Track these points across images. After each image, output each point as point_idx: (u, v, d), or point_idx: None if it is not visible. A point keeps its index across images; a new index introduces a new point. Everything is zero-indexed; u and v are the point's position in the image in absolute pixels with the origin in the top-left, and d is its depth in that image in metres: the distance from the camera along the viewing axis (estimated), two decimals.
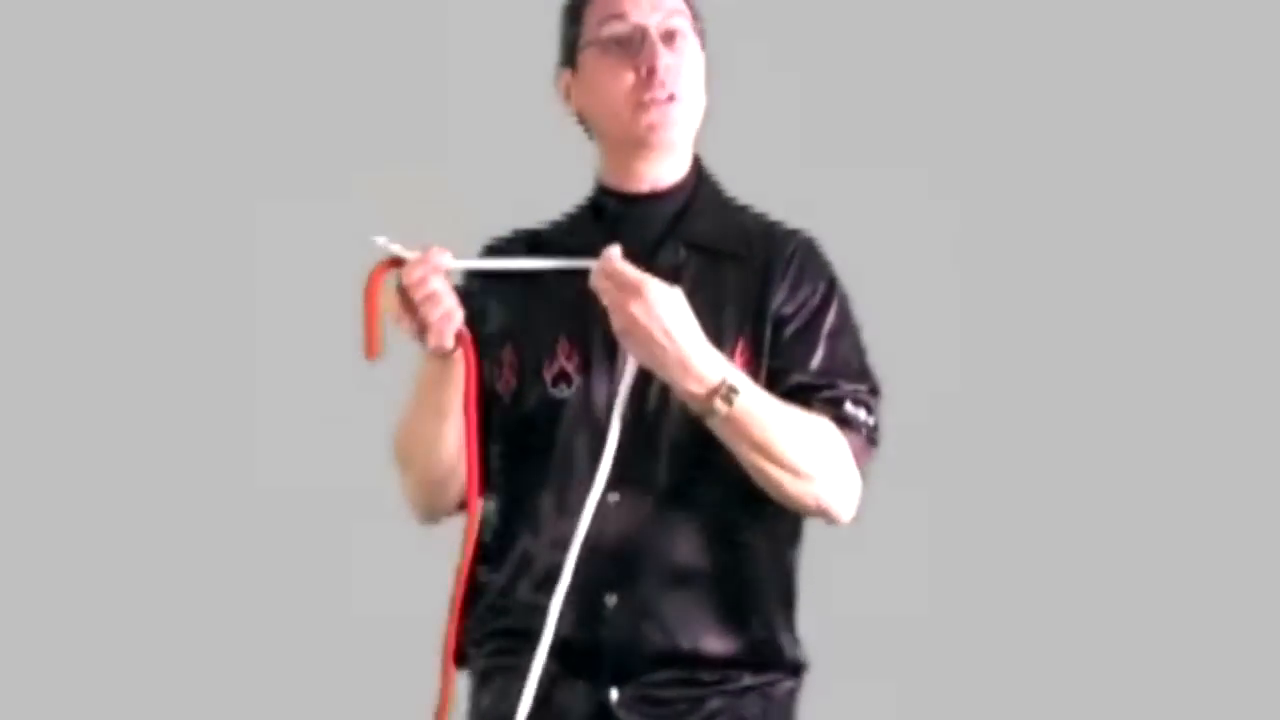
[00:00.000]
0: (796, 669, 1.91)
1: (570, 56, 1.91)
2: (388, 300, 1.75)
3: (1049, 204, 3.14)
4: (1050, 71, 3.15)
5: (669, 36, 1.84)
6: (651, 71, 1.82)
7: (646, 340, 1.70)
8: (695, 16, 1.90)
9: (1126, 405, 3.13)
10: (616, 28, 1.85)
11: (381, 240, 1.75)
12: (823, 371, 1.84)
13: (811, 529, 1.91)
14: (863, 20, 3.12)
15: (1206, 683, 3.07)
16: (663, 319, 1.69)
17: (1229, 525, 3.12)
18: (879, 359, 1.90)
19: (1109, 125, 3.15)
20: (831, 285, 1.89)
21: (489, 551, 1.90)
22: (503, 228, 1.99)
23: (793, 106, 3.04)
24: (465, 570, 1.85)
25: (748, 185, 1.98)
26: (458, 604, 1.85)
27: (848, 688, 2.19)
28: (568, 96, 1.93)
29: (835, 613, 2.05)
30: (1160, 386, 3.14)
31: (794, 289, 1.86)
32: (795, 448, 1.76)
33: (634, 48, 1.84)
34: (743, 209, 1.95)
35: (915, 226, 3.02)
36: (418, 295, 1.73)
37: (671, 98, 1.83)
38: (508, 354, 1.88)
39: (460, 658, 1.89)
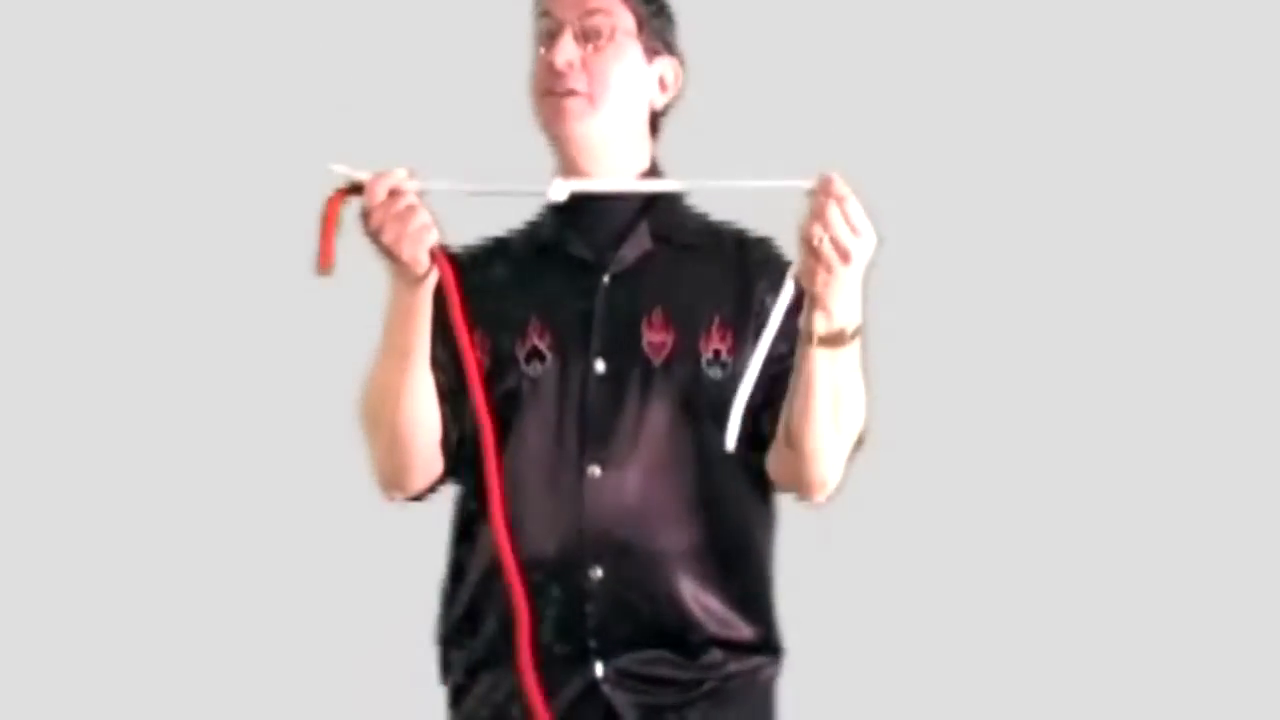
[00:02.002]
0: (776, 651, 1.93)
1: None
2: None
3: (1028, 207, 3.15)
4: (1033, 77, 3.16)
5: (589, 34, 1.86)
6: (549, 65, 1.86)
7: (841, 263, 1.63)
8: (643, 18, 1.90)
9: (1111, 403, 3.14)
10: (542, 22, 1.90)
11: (338, 167, 1.73)
12: None
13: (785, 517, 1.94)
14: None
15: (1202, 679, 3.07)
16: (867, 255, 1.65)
17: (1222, 521, 3.13)
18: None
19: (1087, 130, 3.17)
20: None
21: (465, 535, 1.91)
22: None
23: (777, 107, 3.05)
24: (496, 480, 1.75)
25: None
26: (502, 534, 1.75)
27: (823, 674, 2.21)
28: None
29: (809, 598, 2.06)
30: (1145, 391, 3.15)
31: (773, 287, 1.84)
32: (855, 408, 1.78)
33: (549, 42, 1.87)
34: (703, 215, 1.98)
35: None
36: (392, 210, 1.71)
37: (571, 92, 1.85)
38: (479, 337, 1.86)
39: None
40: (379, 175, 1.72)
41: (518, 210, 1.99)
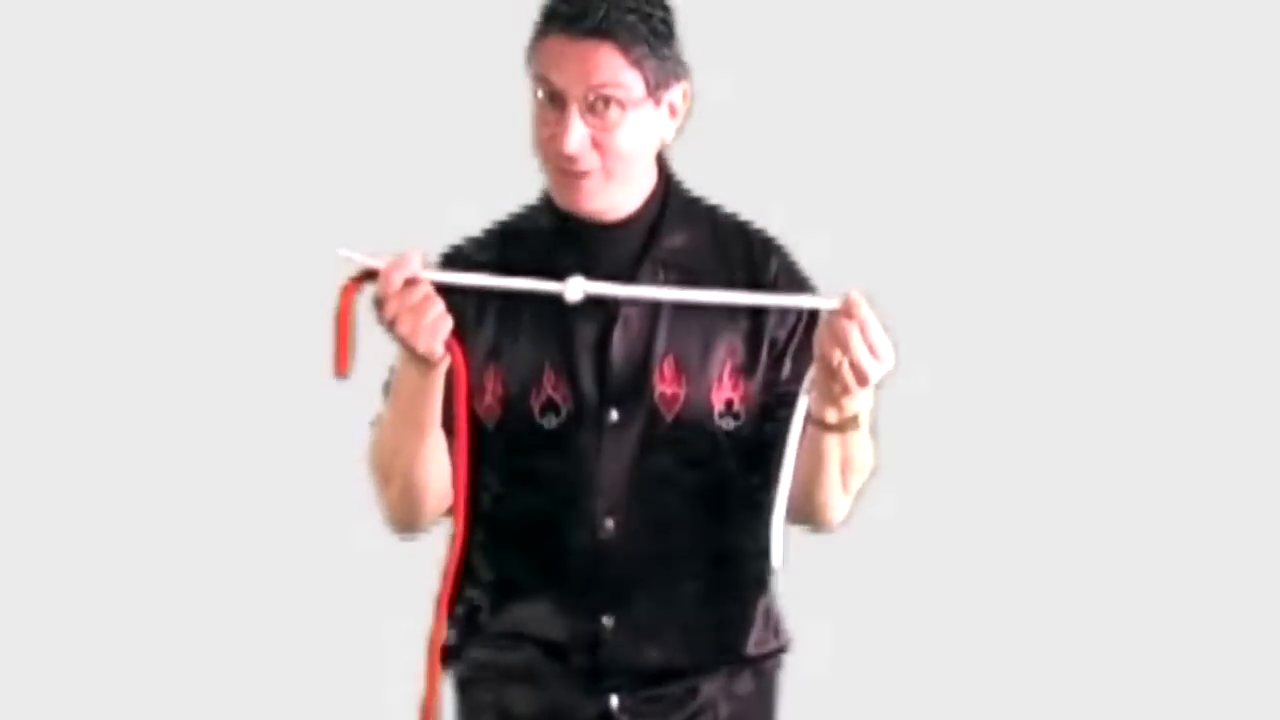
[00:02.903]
0: (782, 649, 1.98)
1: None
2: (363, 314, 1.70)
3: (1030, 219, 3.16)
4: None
5: (599, 104, 1.73)
6: (559, 151, 1.74)
7: (858, 385, 1.65)
8: (649, 74, 1.75)
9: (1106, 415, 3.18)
10: (542, 85, 1.76)
11: (345, 252, 1.69)
12: None
13: None
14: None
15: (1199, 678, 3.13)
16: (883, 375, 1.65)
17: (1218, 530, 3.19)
18: None
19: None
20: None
21: (478, 573, 1.91)
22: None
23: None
24: (451, 581, 1.82)
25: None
26: (443, 610, 1.83)
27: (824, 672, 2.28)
28: None
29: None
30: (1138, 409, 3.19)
31: (784, 311, 1.85)
32: (863, 468, 1.81)
33: (557, 108, 1.74)
34: (712, 211, 1.92)
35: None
36: (407, 301, 1.66)
37: (586, 174, 1.76)
38: (490, 378, 1.84)
39: (446, 657, 1.91)
40: (394, 264, 1.66)
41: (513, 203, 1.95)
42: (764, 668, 1.95)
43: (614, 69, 1.73)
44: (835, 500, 1.81)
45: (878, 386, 1.67)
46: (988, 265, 3.13)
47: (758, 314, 1.84)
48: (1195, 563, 3.17)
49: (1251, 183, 3.18)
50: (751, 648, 1.91)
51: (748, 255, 1.88)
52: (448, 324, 1.69)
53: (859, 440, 1.74)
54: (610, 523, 1.82)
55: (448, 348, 1.71)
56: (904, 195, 3.09)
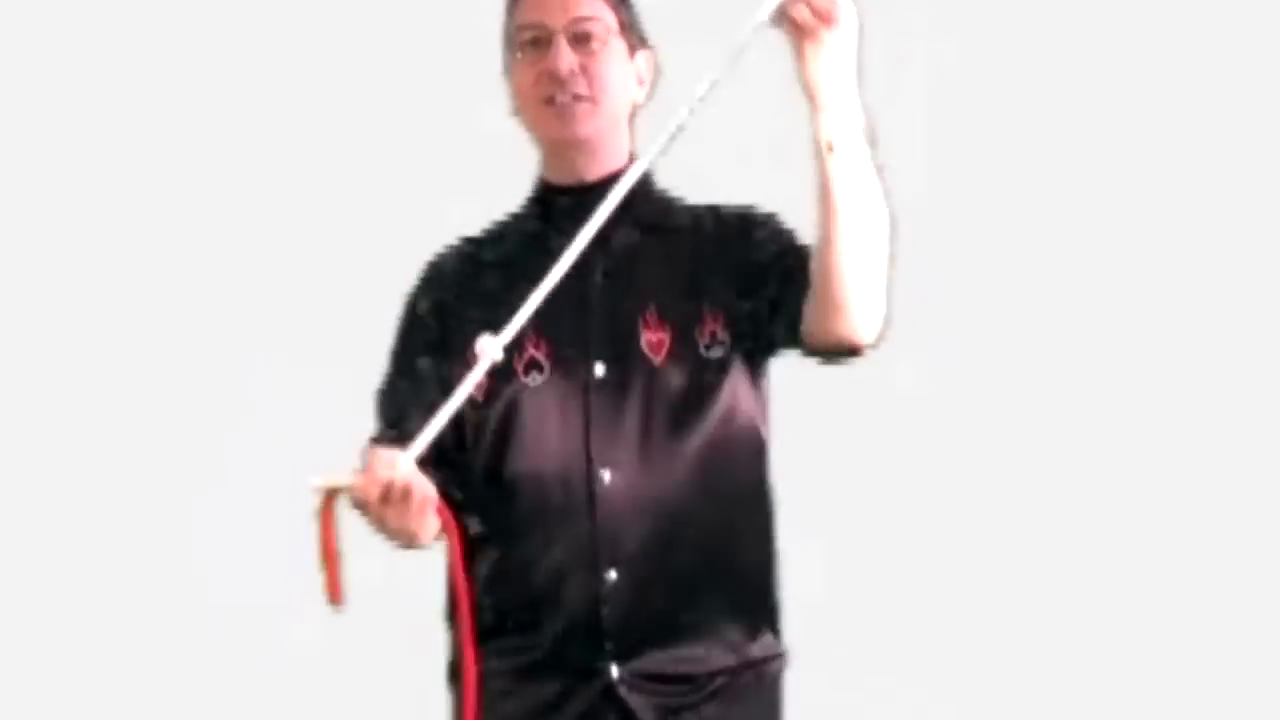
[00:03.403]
0: (777, 634, 1.96)
1: (507, 57, 1.97)
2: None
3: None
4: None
5: (581, 38, 1.89)
6: (553, 74, 1.88)
7: (826, 26, 1.69)
8: (623, 17, 1.93)
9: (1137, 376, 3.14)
10: (525, 34, 1.91)
11: (318, 481, 1.70)
12: None
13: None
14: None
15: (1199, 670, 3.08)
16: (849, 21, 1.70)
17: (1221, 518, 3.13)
18: None
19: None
20: (773, 216, 1.95)
21: (477, 545, 1.91)
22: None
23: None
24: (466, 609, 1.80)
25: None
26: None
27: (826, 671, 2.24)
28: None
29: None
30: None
31: (747, 235, 1.93)
32: (879, 218, 1.77)
33: (541, 49, 1.89)
34: (682, 200, 2.00)
35: None
36: (391, 503, 1.70)
37: (576, 98, 1.89)
38: (472, 353, 1.85)
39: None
40: (367, 482, 1.70)
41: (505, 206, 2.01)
42: (766, 670, 1.94)
43: (592, 2, 1.90)
44: (859, 263, 1.76)
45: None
46: (983, 263, 3.13)
47: (725, 242, 1.92)
48: (1189, 548, 3.11)
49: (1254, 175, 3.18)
50: (752, 621, 1.91)
51: (715, 211, 1.96)
52: (433, 499, 1.74)
53: (864, 169, 1.74)
54: (607, 475, 1.85)
55: (441, 514, 1.75)
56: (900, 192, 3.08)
